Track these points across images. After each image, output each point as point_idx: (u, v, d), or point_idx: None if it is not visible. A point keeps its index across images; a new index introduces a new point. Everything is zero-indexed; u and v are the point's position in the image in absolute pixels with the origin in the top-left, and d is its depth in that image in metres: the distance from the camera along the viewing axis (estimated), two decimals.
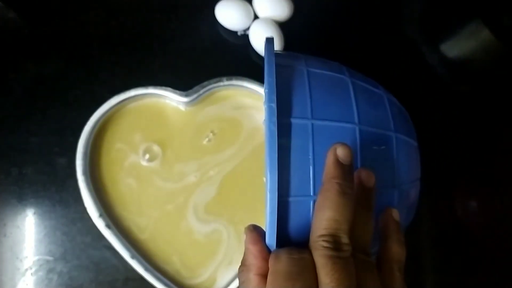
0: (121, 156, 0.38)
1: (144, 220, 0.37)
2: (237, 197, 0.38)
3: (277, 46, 0.41)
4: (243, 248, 0.23)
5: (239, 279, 0.23)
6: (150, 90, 0.38)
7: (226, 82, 0.39)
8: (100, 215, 0.35)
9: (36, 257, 0.38)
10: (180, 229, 0.37)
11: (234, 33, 0.44)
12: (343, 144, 0.23)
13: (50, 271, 0.38)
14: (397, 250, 0.23)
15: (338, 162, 0.22)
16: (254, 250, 0.22)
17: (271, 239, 0.22)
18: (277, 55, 0.25)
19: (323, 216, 0.21)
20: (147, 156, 0.38)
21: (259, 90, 0.39)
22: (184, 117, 0.39)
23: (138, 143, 0.39)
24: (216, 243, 0.37)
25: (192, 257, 0.37)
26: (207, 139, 0.39)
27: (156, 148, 0.38)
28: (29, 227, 0.39)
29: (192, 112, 0.40)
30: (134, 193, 0.38)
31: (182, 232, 0.37)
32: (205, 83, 0.38)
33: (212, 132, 0.39)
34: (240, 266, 0.23)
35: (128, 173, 0.38)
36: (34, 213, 0.39)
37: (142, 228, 0.37)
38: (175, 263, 0.37)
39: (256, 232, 0.23)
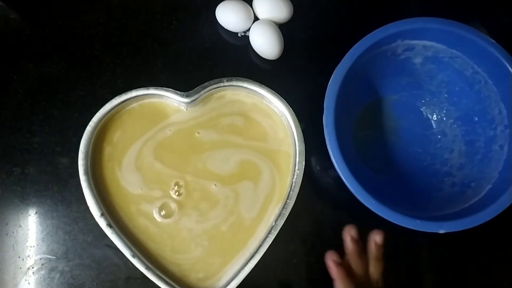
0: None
1: (195, 253, 0.37)
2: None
3: (277, 47, 0.42)
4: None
5: None
6: (151, 90, 0.38)
7: (226, 83, 0.39)
8: (102, 214, 0.35)
9: (38, 256, 0.38)
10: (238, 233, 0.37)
11: (234, 34, 0.44)
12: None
13: (52, 269, 0.38)
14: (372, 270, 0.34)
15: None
16: None
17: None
18: None
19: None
20: (163, 212, 0.38)
21: (259, 90, 0.39)
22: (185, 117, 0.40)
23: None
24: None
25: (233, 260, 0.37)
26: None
27: (173, 206, 0.38)
28: (31, 226, 0.39)
29: (193, 113, 0.40)
30: (156, 237, 0.37)
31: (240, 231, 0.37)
32: (206, 83, 0.39)
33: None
34: None
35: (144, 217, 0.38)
36: (36, 213, 0.39)
37: (192, 257, 0.37)
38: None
39: None
